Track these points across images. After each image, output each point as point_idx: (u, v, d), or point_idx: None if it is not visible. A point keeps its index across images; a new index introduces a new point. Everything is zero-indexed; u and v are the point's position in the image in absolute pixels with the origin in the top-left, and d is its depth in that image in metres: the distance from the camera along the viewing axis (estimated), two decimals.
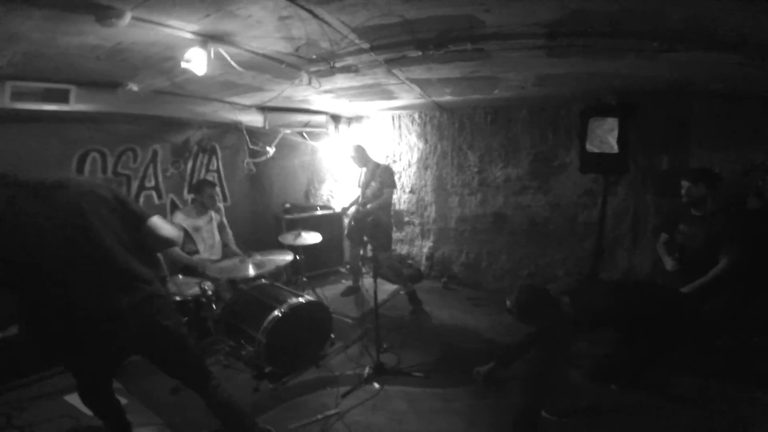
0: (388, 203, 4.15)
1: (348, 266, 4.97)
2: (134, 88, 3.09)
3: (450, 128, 4.79)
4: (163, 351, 1.83)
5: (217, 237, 3.75)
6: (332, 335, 3.26)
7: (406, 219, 5.34)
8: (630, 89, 3.29)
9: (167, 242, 1.85)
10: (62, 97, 2.87)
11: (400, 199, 5.30)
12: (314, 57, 2.52)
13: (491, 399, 2.60)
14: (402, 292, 4.41)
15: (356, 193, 4.44)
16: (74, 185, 1.66)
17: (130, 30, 1.88)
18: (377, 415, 2.46)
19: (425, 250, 5.22)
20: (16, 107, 2.69)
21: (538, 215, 4.35)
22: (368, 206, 4.03)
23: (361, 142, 4.42)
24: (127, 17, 1.76)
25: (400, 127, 5.21)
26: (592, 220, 3.92)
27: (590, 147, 3.29)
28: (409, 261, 5.32)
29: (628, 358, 2.59)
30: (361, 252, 4.39)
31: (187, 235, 3.41)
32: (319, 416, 2.42)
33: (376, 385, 2.75)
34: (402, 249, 5.42)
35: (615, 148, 3.17)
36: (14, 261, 1.49)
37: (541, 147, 4.23)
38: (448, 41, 2.24)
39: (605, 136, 3.18)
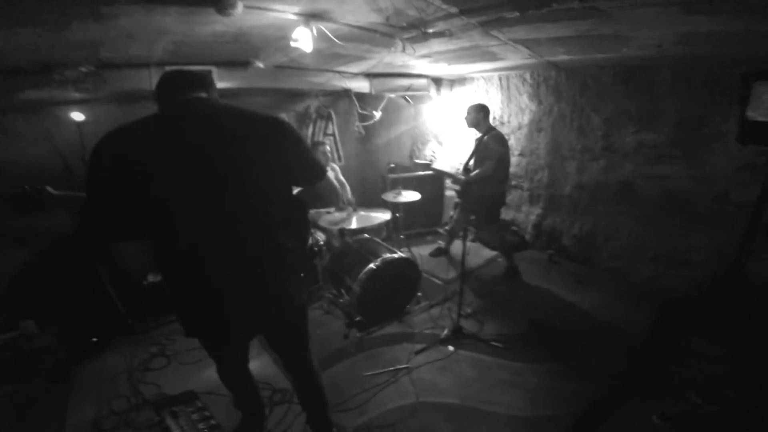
0: (488, 176, 3.70)
1: (446, 228, 4.94)
2: (260, 65, 3.56)
3: (570, 89, 4.25)
4: (284, 331, 1.69)
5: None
6: (419, 293, 3.44)
7: (514, 183, 5.04)
8: None
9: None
10: None
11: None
12: (404, 25, 2.54)
13: (563, 381, 2.50)
14: (500, 260, 4.32)
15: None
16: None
17: (246, 16, 2.16)
18: (444, 376, 2.58)
19: (532, 217, 4.92)
20: None
21: (677, 189, 3.68)
22: (471, 175, 3.79)
23: (481, 102, 3.90)
24: (240, 6, 2.03)
25: (508, 88, 4.83)
26: (750, 200, 3.17)
27: (753, 115, 2.67)
28: (513, 228, 5.09)
29: None
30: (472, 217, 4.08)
31: None
32: (390, 368, 2.65)
33: (450, 348, 2.86)
34: (507, 214, 5.19)
35: None
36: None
37: (689, 112, 3.49)
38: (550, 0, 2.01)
39: None
